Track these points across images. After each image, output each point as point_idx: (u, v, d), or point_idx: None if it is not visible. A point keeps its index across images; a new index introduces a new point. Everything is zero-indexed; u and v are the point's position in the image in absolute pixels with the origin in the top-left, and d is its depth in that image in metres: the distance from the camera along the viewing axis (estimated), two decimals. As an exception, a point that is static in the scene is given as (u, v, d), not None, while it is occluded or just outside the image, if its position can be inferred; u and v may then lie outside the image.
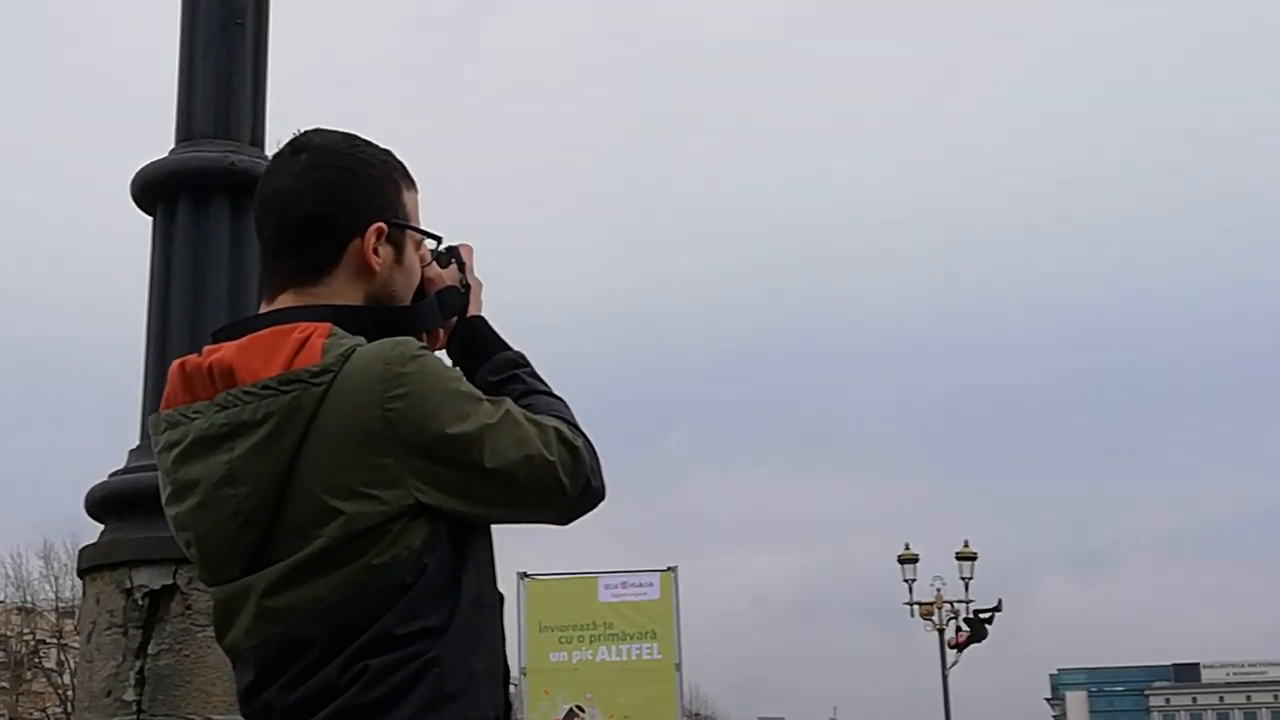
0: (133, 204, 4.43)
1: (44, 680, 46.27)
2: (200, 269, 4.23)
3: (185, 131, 4.44)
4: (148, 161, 4.38)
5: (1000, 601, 28.83)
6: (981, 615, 28.41)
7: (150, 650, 4.00)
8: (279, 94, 4.54)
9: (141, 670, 3.99)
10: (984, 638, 28.18)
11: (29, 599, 46.48)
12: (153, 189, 4.35)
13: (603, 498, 2.08)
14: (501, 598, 2.05)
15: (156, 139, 4.52)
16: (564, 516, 2.06)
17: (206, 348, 2.01)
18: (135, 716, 3.97)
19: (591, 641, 20.63)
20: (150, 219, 4.41)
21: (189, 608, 4.00)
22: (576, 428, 2.05)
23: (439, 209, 2.20)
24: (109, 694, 4.02)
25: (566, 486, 1.99)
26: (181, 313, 4.20)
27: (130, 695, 3.98)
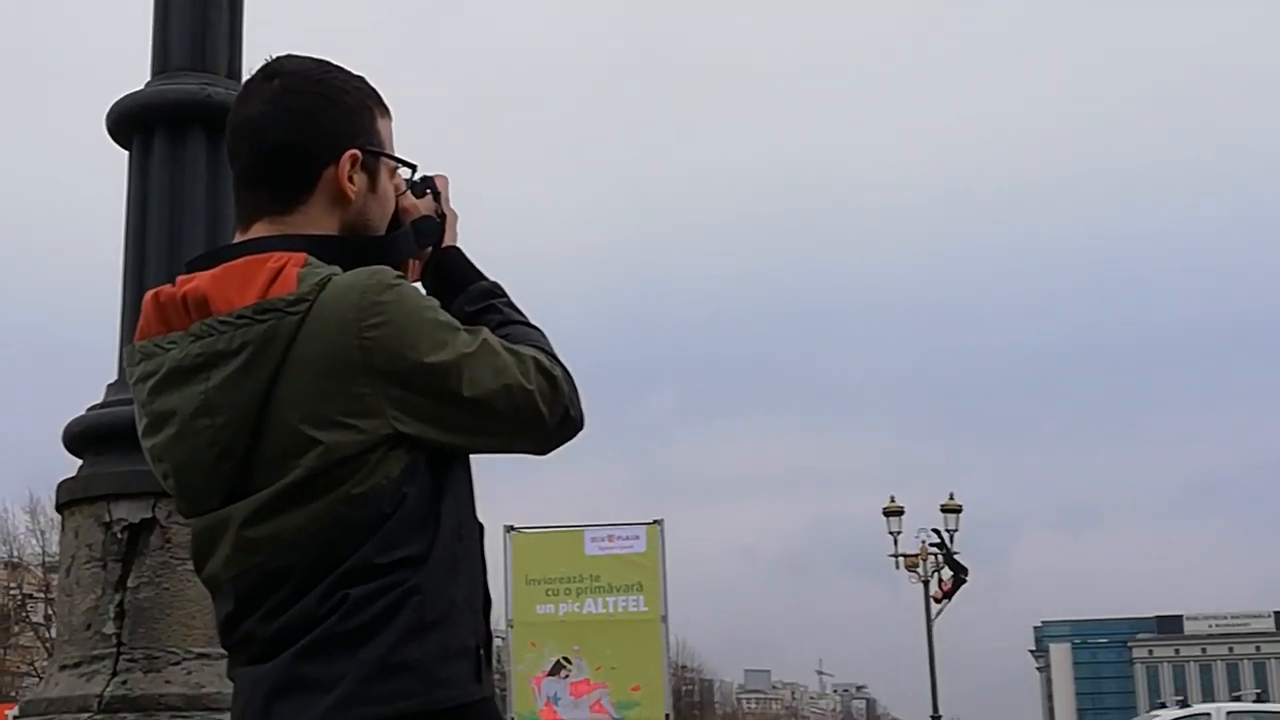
0: (108, 138, 4.40)
1: (31, 634, 46.30)
2: (177, 201, 4.21)
3: (161, 64, 4.41)
4: (123, 94, 4.35)
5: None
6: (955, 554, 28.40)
7: (130, 583, 4.01)
8: (256, 26, 4.51)
9: (121, 603, 3.99)
10: (964, 580, 28.26)
11: (15, 554, 46.45)
12: (128, 122, 4.32)
13: (581, 427, 2.06)
14: (481, 527, 2.04)
15: (132, 73, 4.49)
16: (543, 446, 2.02)
17: (180, 278, 1.99)
18: (115, 649, 3.97)
19: (578, 594, 20.69)
20: (126, 153, 4.38)
21: (168, 541, 4.00)
22: (554, 357, 2.02)
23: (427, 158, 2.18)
24: (89, 627, 4.02)
25: (545, 416, 1.96)
26: (159, 245, 4.18)
27: (110, 628, 3.99)
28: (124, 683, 3.92)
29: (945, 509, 28.98)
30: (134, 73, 4.47)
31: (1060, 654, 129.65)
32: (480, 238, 2.24)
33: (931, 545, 28.62)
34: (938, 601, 28.63)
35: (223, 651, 1.99)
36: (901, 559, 29.04)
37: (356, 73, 2.08)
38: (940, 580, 28.53)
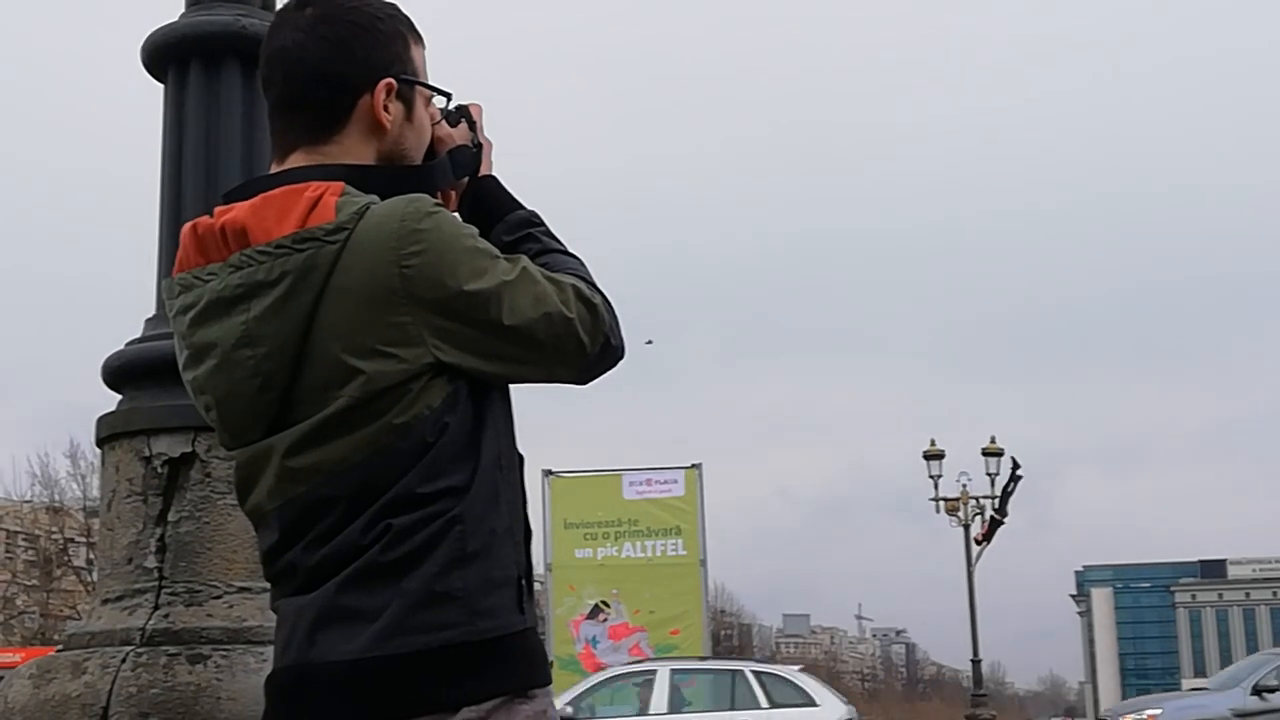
0: (144, 70, 4.38)
1: (73, 578, 46.83)
2: (213, 133, 4.20)
3: (196, -6, 4.38)
4: (157, 26, 4.32)
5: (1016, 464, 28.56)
6: (1008, 487, 28.31)
7: (170, 518, 4.02)
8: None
9: (162, 538, 4.01)
10: (1002, 522, 28.18)
11: (57, 498, 46.89)
12: (163, 53, 4.30)
13: (622, 356, 2.04)
14: (521, 458, 2.02)
15: (167, 4, 4.46)
16: (584, 375, 2.02)
17: (218, 209, 1.97)
18: (157, 583, 3.99)
19: (616, 538, 20.80)
20: (161, 85, 4.36)
21: (208, 475, 4.00)
22: (594, 285, 2.01)
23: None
24: (130, 561, 4.04)
25: (586, 344, 1.95)
26: (195, 177, 4.18)
27: (151, 562, 4.00)
28: (166, 616, 3.94)
29: (986, 452, 28.87)
30: (169, 4, 4.44)
31: (1102, 598, 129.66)
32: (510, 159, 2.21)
33: (982, 498, 28.52)
34: (978, 544, 28.57)
35: (264, 585, 2.00)
36: (942, 503, 28.97)
37: (390, 0, 2.05)
38: (982, 523, 28.46)
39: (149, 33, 4.33)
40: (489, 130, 2.19)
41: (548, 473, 20.95)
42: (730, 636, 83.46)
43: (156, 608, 3.95)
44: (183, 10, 4.40)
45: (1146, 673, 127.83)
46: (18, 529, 54.95)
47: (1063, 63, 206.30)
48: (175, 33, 4.29)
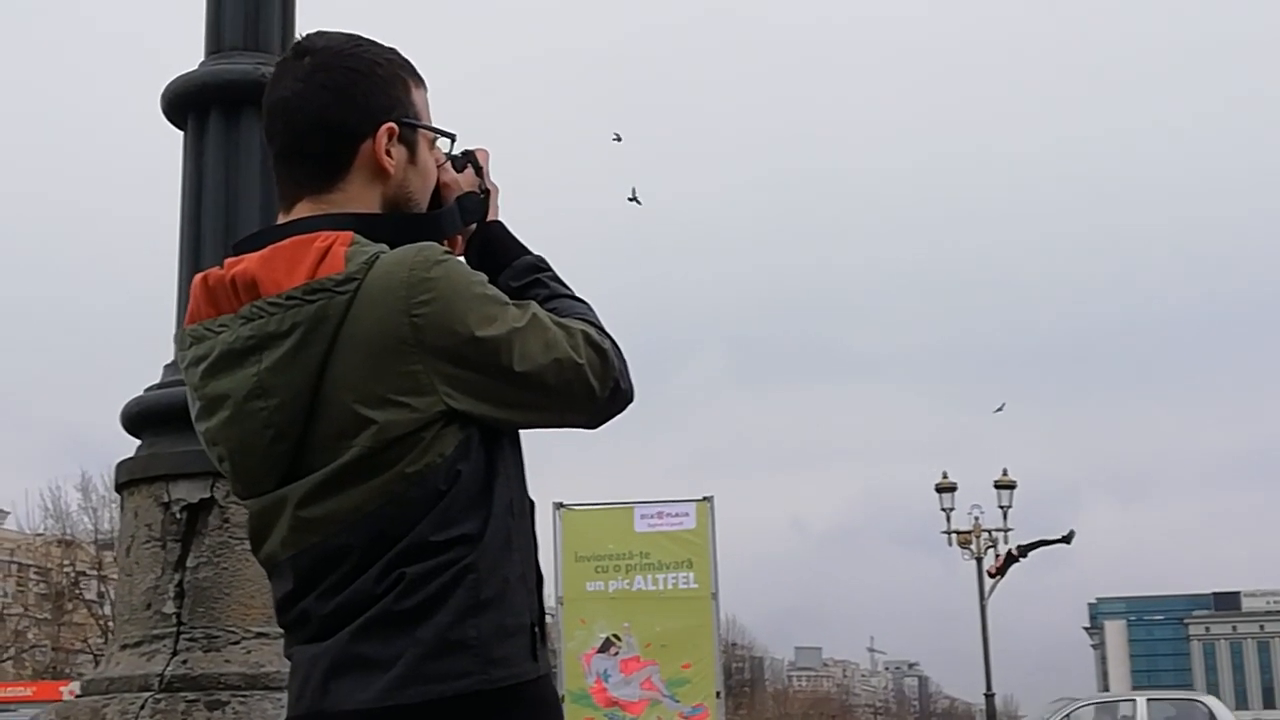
0: (164, 118, 4.42)
1: (85, 611, 46.75)
2: (232, 181, 4.23)
3: (215, 44, 4.43)
4: (177, 75, 4.36)
5: (1072, 531, 28.87)
6: (1049, 542, 28.41)
7: (189, 563, 4.04)
8: (308, 5, 4.50)
9: (181, 583, 4.02)
10: (1018, 560, 28.18)
11: (68, 531, 46.86)
12: (183, 101, 4.34)
13: (631, 399, 2.05)
14: (532, 504, 2.03)
15: (186, 53, 4.50)
16: (594, 420, 2.02)
17: (228, 260, 1.97)
18: (175, 629, 4.00)
19: (628, 571, 20.70)
20: (181, 133, 4.40)
21: (226, 521, 4.02)
22: (603, 330, 2.02)
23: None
24: (149, 606, 4.05)
25: (596, 389, 1.96)
26: (214, 225, 4.20)
27: (170, 608, 4.02)
28: (184, 662, 3.95)
29: (999, 485, 28.77)
30: (188, 53, 4.48)
31: (1115, 631, 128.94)
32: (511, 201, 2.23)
33: (994, 531, 28.49)
34: (991, 577, 28.46)
35: (281, 631, 1.99)
36: (954, 535, 28.88)
37: (388, 45, 2.06)
38: (995, 556, 28.38)
39: (169, 81, 4.37)
40: (494, 174, 2.19)
41: (559, 505, 20.89)
42: (742, 670, 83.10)
43: (175, 653, 3.97)
44: (202, 59, 4.44)
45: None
46: (29, 562, 54.89)
47: (1072, 94, 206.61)
48: (195, 81, 4.33)
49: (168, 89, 4.37)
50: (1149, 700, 18.21)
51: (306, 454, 1.89)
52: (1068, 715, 18.42)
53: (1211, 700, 18.85)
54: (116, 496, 4.40)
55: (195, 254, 4.21)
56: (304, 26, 4.34)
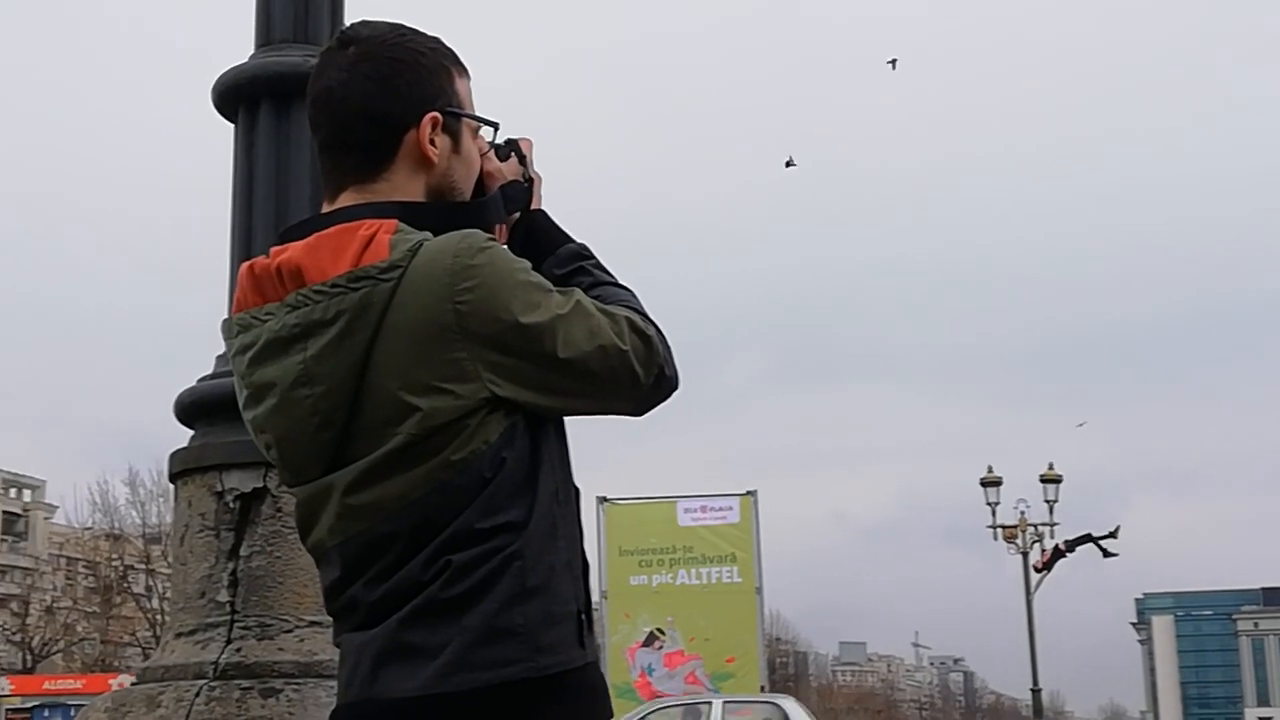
0: (214, 111, 4.45)
1: (133, 605, 47.15)
2: (282, 173, 4.24)
3: (264, 37, 4.45)
4: (227, 68, 4.39)
5: (1118, 527, 28.83)
6: (1097, 538, 28.33)
7: (242, 552, 4.06)
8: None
9: (234, 572, 4.05)
10: (1065, 555, 28.10)
11: (116, 525, 47.29)
12: (234, 94, 4.37)
13: (676, 387, 2.03)
14: (578, 491, 2.03)
15: (237, 46, 4.53)
16: (639, 407, 2.02)
17: (274, 249, 1.98)
18: (229, 617, 4.02)
19: (671, 565, 20.73)
20: (231, 125, 4.43)
21: (279, 510, 4.04)
22: (647, 316, 2.01)
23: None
24: (203, 595, 4.08)
25: (640, 376, 1.95)
26: (265, 216, 4.22)
27: (224, 596, 4.04)
28: (238, 650, 3.97)
29: (1045, 479, 28.63)
30: (239, 46, 4.51)
31: (1163, 626, 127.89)
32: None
33: (1040, 525, 28.37)
34: (1038, 572, 28.33)
35: (331, 619, 1.99)
36: (1000, 530, 28.74)
37: (432, 34, 2.07)
38: (1041, 550, 28.25)
39: (219, 74, 4.40)
40: (538, 164, 2.19)
41: (603, 500, 20.94)
42: (786, 665, 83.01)
43: (229, 641, 3.99)
44: (252, 52, 4.47)
45: (1209, 702, 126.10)
46: (78, 556, 55.50)
47: (1101, 90, 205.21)
48: (245, 74, 4.35)
49: (218, 82, 4.39)
50: (724, 703, 18.17)
51: (352, 441, 1.89)
52: (652, 712, 18.32)
53: (788, 702, 18.72)
54: (164, 491, 4.45)
55: (246, 246, 4.22)
56: (353, 18, 4.38)
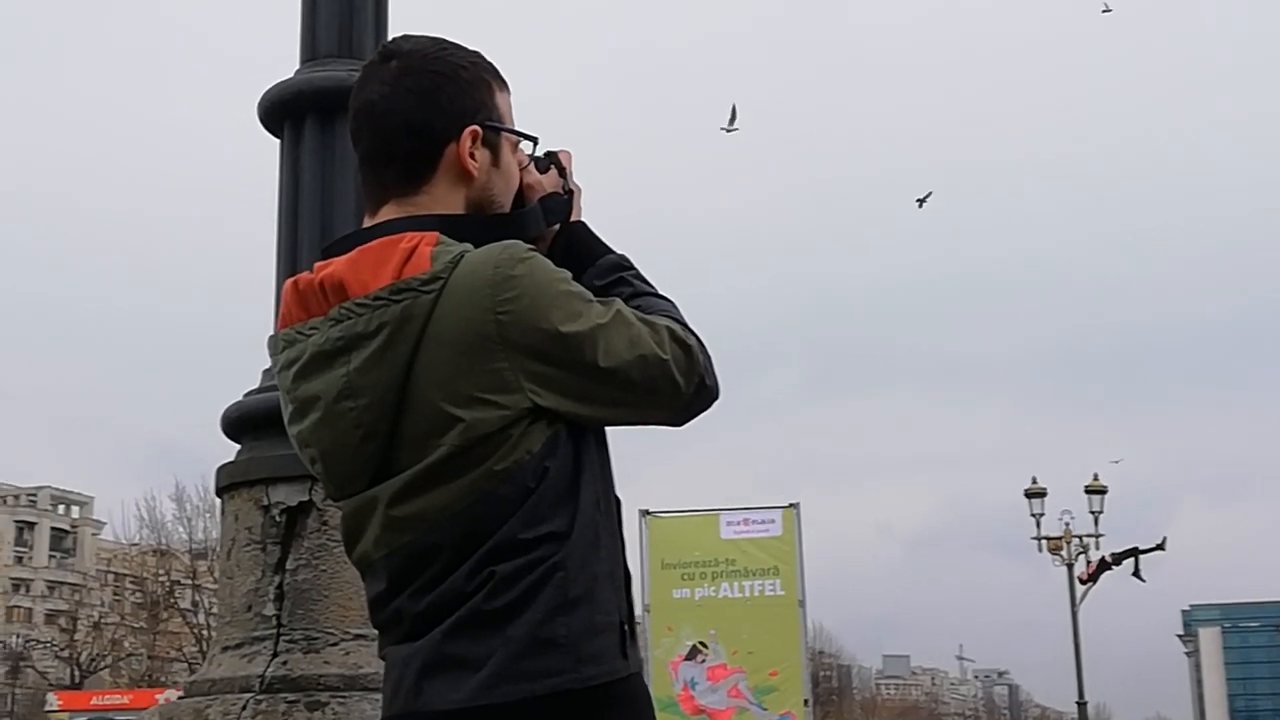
0: (260, 125, 4.48)
1: (180, 620, 47.48)
2: (328, 188, 4.28)
3: (310, 52, 4.49)
4: (273, 83, 4.42)
5: (1165, 539, 28.61)
6: (1142, 551, 28.12)
7: (289, 565, 4.09)
8: (401, 12, 4.55)
9: (280, 585, 4.07)
10: (1110, 567, 27.91)
11: (163, 541, 47.66)
12: (280, 109, 4.40)
13: (717, 396, 2.03)
14: (619, 501, 2.04)
15: (284, 61, 4.56)
16: (680, 417, 2.02)
17: (317, 264, 2.00)
18: (275, 630, 4.05)
19: (714, 578, 20.68)
20: (277, 141, 4.45)
21: (325, 523, 4.06)
22: (687, 326, 2.02)
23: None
24: (249, 609, 4.10)
25: (681, 385, 1.96)
26: (311, 230, 4.26)
27: (270, 610, 4.07)
28: (284, 663, 4.00)
29: (1090, 490, 28.42)
30: (285, 61, 4.54)
31: (1210, 638, 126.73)
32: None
33: (1085, 537, 28.18)
34: (1083, 584, 28.12)
35: (377, 631, 2.01)
36: (1044, 541, 28.55)
37: (472, 49, 2.08)
38: (1087, 562, 28.05)
39: (265, 89, 4.43)
40: (577, 176, 2.19)
41: (645, 513, 20.92)
42: (829, 678, 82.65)
43: (275, 655, 4.01)
44: (298, 67, 4.50)
45: (1257, 715, 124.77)
46: (125, 571, 55.92)
47: (1152, 92, 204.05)
48: (291, 89, 4.39)
49: (264, 97, 4.43)
50: None
51: (396, 453, 1.91)
52: None
53: None
54: (210, 506, 4.49)
55: (292, 260, 4.25)
56: (396, 34, 4.40)
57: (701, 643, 20.25)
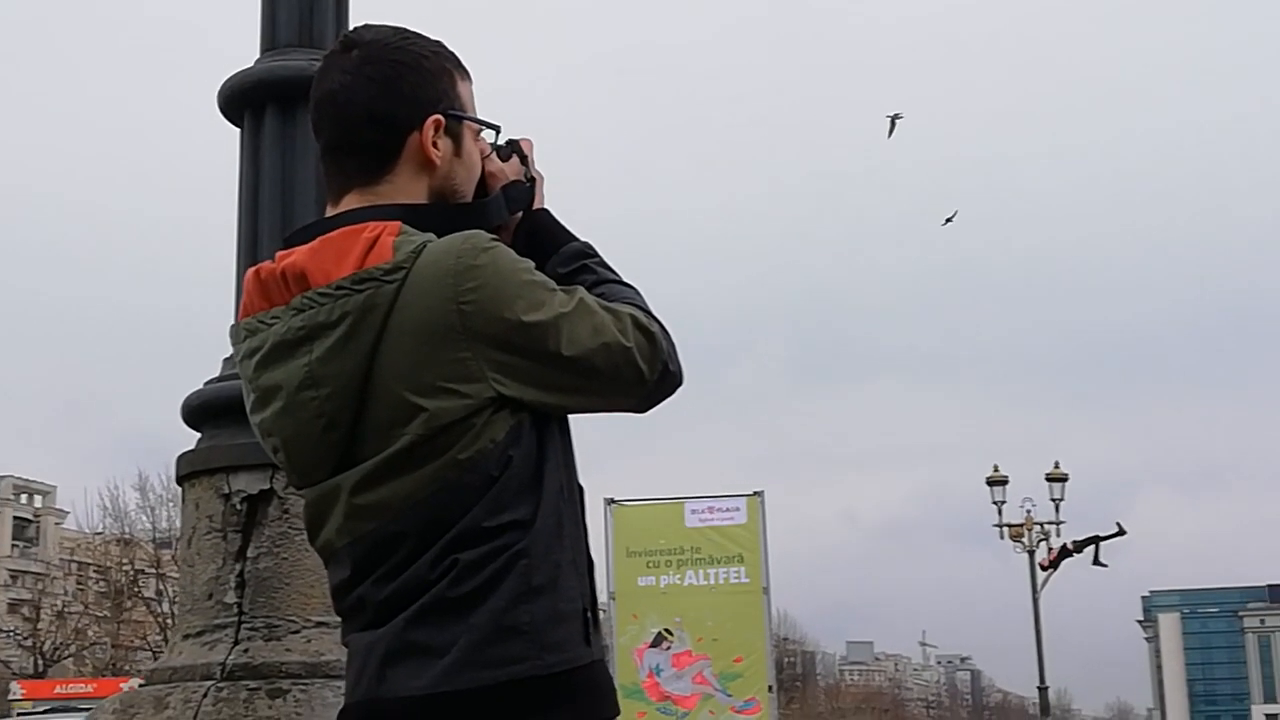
0: (220, 115, 4.47)
1: (144, 609, 47.19)
2: (288, 177, 4.27)
3: (270, 41, 4.48)
4: (233, 72, 4.42)
5: (1119, 524, 28.82)
6: (1103, 538, 28.35)
7: (250, 554, 4.09)
8: (361, 3, 4.55)
9: (241, 573, 4.08)
10: (1071, 554, 28.14)
11: (127, 530, 47.36)
12: (239, 99, 4.40)
13: (680, 382, 2.05)
14: (581, 489, 2.04)
15: (243, 50, 4.55)
16: (643, 403, 2.04)
17: (279, 253, 2.01)
18: (237, 618, 4.05)
19: (679, 566, 20.70)
20: (237, 130, 4.45)
21: (286, 511, 4.07)
22: (650, 314, 2.03)
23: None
24: (210, 596, 4.11)
25: (645, 372, 1.98)
26: (271, 219, 4.25)
27: (231, 597, 4.07)
28: (245, 651, 4.00)
29: (1050, 478, 28.66)
30: (245, 50, 4.54)
31: (1169, 624, 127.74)
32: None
33: (1047, 524, 28.40)
34: (1044, 570, 28.37)
35: (340, 619, 2.02)
36: (1006, 529, 28.78)
37: (434, 38, 2.09)
38: (1048, 549, 28.31)
39: (225, 79, 4.42)
40: (540, 164, 2.21)
41: (610, 501, 20.93)
42: (794, 664, 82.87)
43: (236, 643, 4.02)
44: (257, 57, 4.49)
45: (1216, 699, 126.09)
46: (89, 561, 55.58)
47: (1098, 94, 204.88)
48: (251, 78, 4.38)
49: (224, 86, 4.42)
50: None
51: (359, 442, 1.92)
52: None
53: None
54: (174, 495, 4.48)
55: (253, 249, 4.25)
56: (357, 23, 4.40)
57: (667, 630, 20.27)
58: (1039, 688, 28.80)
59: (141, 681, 4.22)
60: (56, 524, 73.09)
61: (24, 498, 79.03)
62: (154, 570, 45.52)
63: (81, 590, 57.04)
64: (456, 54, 2.10)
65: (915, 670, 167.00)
